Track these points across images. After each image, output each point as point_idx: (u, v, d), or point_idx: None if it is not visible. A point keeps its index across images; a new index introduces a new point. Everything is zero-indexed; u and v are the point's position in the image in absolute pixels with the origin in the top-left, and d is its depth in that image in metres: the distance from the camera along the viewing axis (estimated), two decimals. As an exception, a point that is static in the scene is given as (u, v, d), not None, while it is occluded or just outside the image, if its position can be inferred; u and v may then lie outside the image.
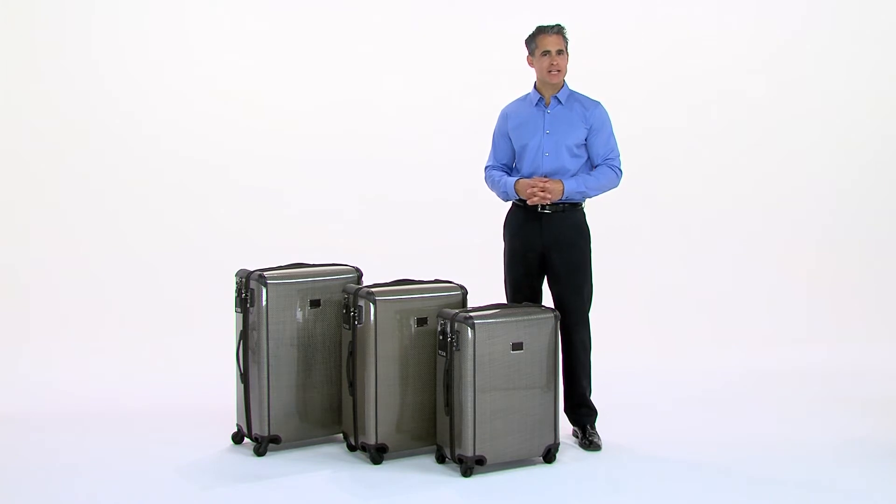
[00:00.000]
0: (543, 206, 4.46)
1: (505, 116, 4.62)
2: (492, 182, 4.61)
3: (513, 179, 4.49)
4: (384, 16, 6.38)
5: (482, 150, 4.73)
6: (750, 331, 6.21)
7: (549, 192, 4.39)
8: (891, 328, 6.24)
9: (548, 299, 4.60)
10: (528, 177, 4.49)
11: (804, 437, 4.69)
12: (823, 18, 6.53)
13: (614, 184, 4.54)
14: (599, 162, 4.52)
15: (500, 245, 4.67)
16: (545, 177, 4.45)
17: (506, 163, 4.63)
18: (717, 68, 6.46)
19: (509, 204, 4.63)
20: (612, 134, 4.54)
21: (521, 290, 4.57)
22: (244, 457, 4.42)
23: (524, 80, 4.64)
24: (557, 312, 4.33)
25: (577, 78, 4.66)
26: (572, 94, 4.55)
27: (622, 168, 4.56)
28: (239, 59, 6.28)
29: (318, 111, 6.33)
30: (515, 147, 4.58)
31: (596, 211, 4.79)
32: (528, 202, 4.44)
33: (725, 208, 6.49)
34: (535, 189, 4.40)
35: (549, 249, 4.49)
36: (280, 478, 4.17)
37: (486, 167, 4.68)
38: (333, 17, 6.36)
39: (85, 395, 5.28)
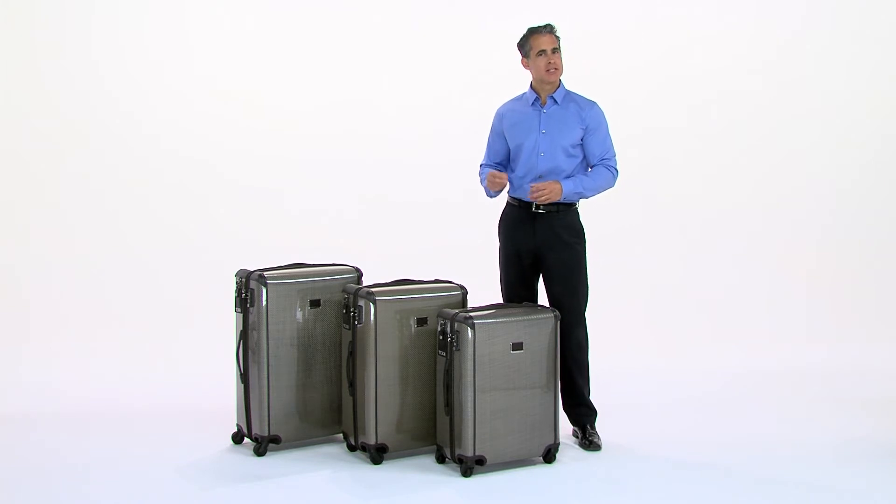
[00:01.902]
0: (538, 207, 4.46)
1: (500, 116, 4.63)
2: (481, 179, 4.62)
3: (486, 172, 4.52)
4: (384, 16, 6.38)
5: (482, 151, 4.73)
6: (750, 331, 6.21)
7: (548, 192, 4.38)
8: (891, 328, 6.24)
9: (543, 300, 4.59)
10: (523, 177, 4.49)
11: (804, 437, 4.69)
12: (823, 18, 6.52)
13: (610, 184, 4.54)
14: (595, 162, 4.52)
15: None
16: (540, 176, 4.45)
17: (499, 162, 4.64)
18: (717, 68, 6.45)
19: (504, 204, 4.63)
20: (607, 134, 4.54)
21: (515, 290, 4.58)
22: (244, 457, 4.42)
23: (524, 80, 4.64)
24: (557, 312, 4.33)
25: (577, 78, 4.66)
26: (568, 93, 4.55)
27: (618, 168, 4.56)
28: (239, 59, 6.28)
29: (318, 111, 6.33)
30: (511, 146, 4.58)
31: (596, 211, 4.79)
32: (531, 198, 4.43)
33: (725, 208, 6.48)
34: (538, 193, 4.38)
35: (542, 249, 4.49)
36: (280, 478, 4.17)
37: (480, 165, 4.69)
38: (333, 17, 6.36)
39: (85, 395, 5.29)
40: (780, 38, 6.49)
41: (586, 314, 4.57)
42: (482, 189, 4.67)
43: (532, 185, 4.42)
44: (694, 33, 6.46)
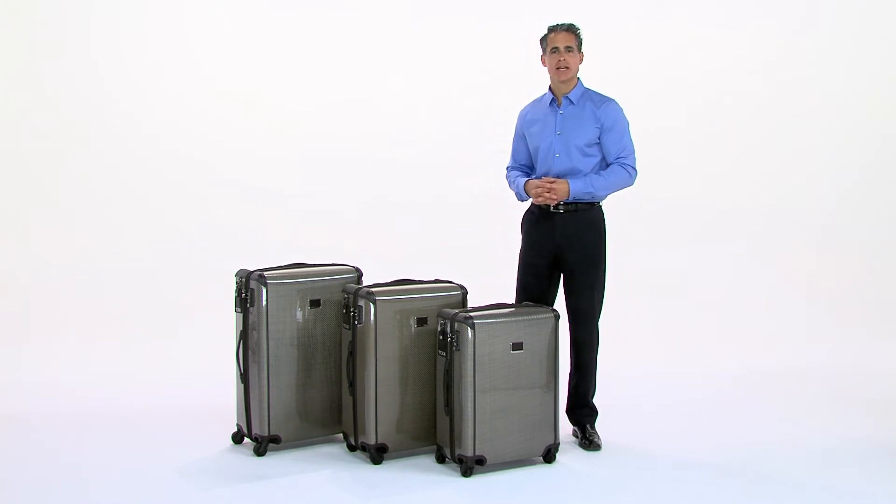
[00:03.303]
0: (557, 206, 4.46)
1: (522, 118, 4.64)
2: (509, 183, 4.63)
3: (524, 180, 4.50)
4: (384, 16, 6.38)
5: (483, 151, 4.74)
6: (750, 331, 6.21)
7: (555, 193, 4.38)
8: (891, 328, 6.24)
9: (559, 302, 4.58)
10: (541, 178, 4.49)
11: (804, 437, 4.69)
12: (823, 18, 6.53)
13: (627, 183, 4.51)
14: (612, 160, 4.49)
15: (501, 245, 4.68)
16: (556, 177, 4.45)
17: (525, 163, 4.64)
18: (717, 68, 6.46)
19: (528, 203, 4.62)
20: (625, 131, 4.50)
21: (530, 289, 4.56)
22: (244, 457, 4.42)
23: (525, 80, 4.65)
24: (557, 312, 4.33)
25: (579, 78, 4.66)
26: (586, 92, 4.53)
27: (636, 167, 4.53)
28: (239, 59, 6.28)
29: (318, 111, 6.33)
30: (530, 148, 4.59)
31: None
32: (533, 202, 4.45)
33: (725, 208, 6.49)
34: (540, 189, 4.40)
35: (561, 249, 4.48)
36: (280, 478, 4.17)
37: (507, 168, 4.69)
38: (334, 16, 6.36)
39: (85, 395, 5.29)
40: (780, 38, 6.50)
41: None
42: (511, 193, 4.65)
43: (543, 178, 4.41)
44: (694, 33, 6.47)
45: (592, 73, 4.85)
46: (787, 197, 6.50)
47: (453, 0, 6.44)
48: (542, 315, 4.28)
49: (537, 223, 4.52)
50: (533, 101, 4.64)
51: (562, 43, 4.44)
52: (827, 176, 6.52)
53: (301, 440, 4.51)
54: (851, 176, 6.53)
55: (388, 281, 4.46)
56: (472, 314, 4.16)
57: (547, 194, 4.39)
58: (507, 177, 4.66)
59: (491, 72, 6.18)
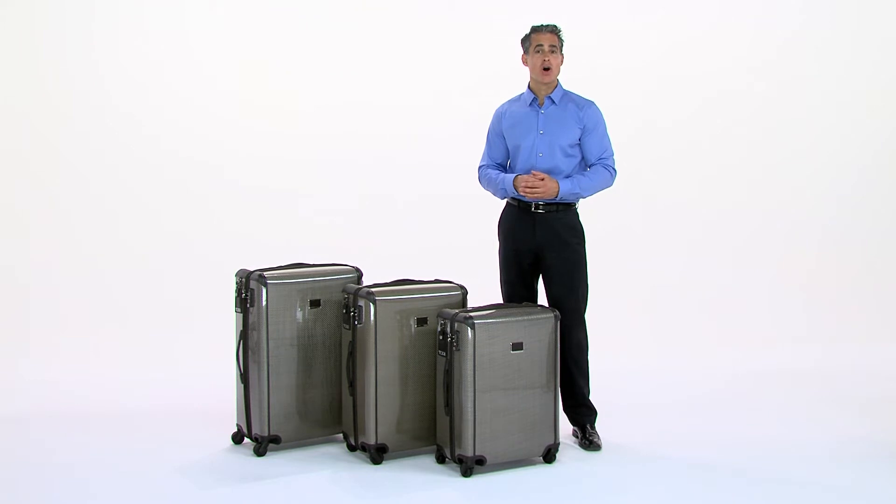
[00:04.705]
0: (537, 206, 4.47)
1: (499, 116, 4.63)
2: (487, 181, 4.61)
3: (511, 176, 4.49)
4: (384, 16, 6.38)
5: (482, 151, 4.73)
6: (750, 331, 6.21)
7: (544, 189, 4.38)
8: (891, 328, 6.25)
9: (543, 300, 4.60)
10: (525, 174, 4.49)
11: (804, 437, 4.69)
12: (823, 18, 6.53)
13: (608, 183, 4.55)
14: (594, 161, 4.52)
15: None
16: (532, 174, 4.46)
17: (500, 162, 4.64)
18: (717, 68, 6.46)
19: (504, 204, 4.63)
20: (605, 133, 4.54)
21: (516, 290, 4.58)
22: (244, 457, 4.42)
23: (525, 80, 4.64)
24: (557, 312, 4.33)
25: (578, 78, 4.66)
26: (566, 93, 4.56)
27: (616, 168, 4.56)
28: (239, 59, 6.28)
29: (318, 111, 6.33)
30: (509, 147, 4.58)
31: (596, 211, 4.80)
32: (524, 197, 4.43)
33: (725, 208, 6.49)
34: (532, 181, 4.38)
35: (543, 249, 4.49)
36: (280, 478, 4.17)
37: (479, 166, 4.68)
38: (333, 17, 6.36)
39: (85, 395, 5.29)
40: (780, 38, 6.50)
41: (586, 314, 4.57)
42: (485, 190, 4.65)
43: (533, 172, 4.40)
44: (694, 33, 6.47)
45: (591, 73, 4.86)
46: (787, 197, 6.50)
47: (453, 0, 6.44)
48: (542, 315, 4.28)
49: (517, 223, 4.52)
50: (510, 100, 4.64)
51: (547, 42, 4.45)
52: (827, 176, 6.53)
53: (301, 440, 4.51)
54: (851, 176, 6.53)
55: (388, 281, 4.46)
56: (472, 314, 4.16)
57: (537, 190, 4.38)
58: (483, 175, 4.63)
59: (491, 72, 6.17)
